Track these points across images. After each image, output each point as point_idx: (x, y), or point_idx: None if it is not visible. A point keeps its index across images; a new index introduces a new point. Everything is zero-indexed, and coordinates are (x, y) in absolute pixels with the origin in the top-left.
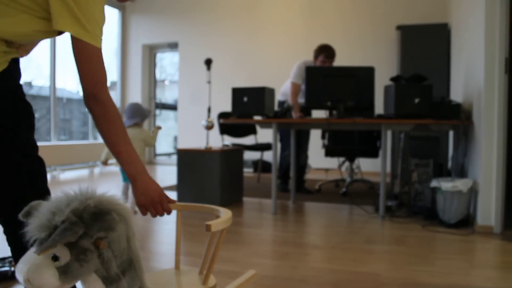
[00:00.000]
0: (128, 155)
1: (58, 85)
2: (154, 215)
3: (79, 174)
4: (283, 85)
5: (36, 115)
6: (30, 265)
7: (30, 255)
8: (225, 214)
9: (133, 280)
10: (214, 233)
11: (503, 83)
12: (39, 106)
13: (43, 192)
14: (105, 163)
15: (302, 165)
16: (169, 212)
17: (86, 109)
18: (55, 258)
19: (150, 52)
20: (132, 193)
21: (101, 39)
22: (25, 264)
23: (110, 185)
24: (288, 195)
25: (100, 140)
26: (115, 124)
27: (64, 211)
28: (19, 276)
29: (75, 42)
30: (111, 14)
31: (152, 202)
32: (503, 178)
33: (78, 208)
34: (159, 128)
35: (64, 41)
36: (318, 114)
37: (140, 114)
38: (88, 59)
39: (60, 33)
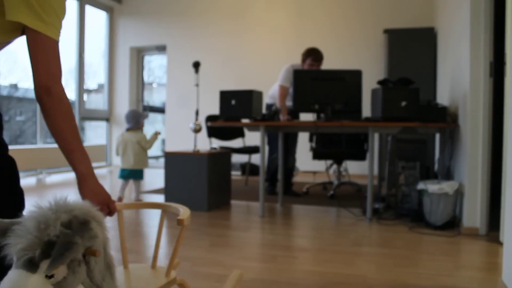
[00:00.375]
0: (81, 153)
1: None
2: (105, 215)
3: (66, 178)
4: (271, 88)
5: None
6: None
7: (21, 277)
8: (184, 209)
9: (110, 285)
10: (183, 227)
11: (488, 86)
12: (25, 109)
13: (16, 193)
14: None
15: (290, 167)
16: (115, 213)
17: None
18: (49, 276)
19: (138, 55)
20: (80, 192)
21: (59, 32)
22: None
23: None
24: (276, 197)
25: (88, 143)
26: (70, 120)
27: (55, 226)
28: None
29: (30, 33)
30: (99, 16)
31: (103, 202)
32: (488, 181)
33: (67, 220)
34: (158, 133)
35: None
36: (306, 117)
37: (134, 119)
38: (44, 51)
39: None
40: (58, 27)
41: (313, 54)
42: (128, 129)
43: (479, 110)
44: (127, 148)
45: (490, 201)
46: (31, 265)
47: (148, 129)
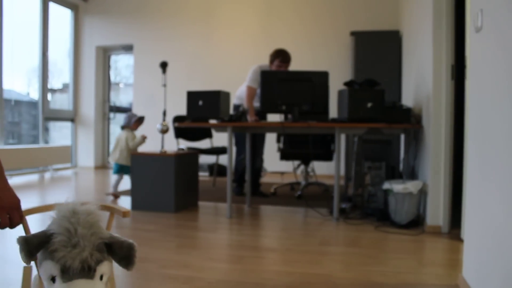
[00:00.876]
0: None
1: (6, 86)
2: (4, 223)
3: (29, 180)
4: (239, 89)
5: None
6: None
7: (89, 285)
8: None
9: None
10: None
11: (450, 89)
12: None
13: None
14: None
15: (257, 168)
16: (16, 223)
17: (36, 112)
18: (101, 277)
19: (104, 54)
20: None
21: None
22: None
23: (61, 191)
24: (244, 198)
25: (52, 144)
26: None
27: (101, 231)
28: None
29: None
30: (63, 14)
31: (10, 208)
32: (450, 180)
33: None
34: (144, 137)
35: (12, 40)
36: (274, 118)
37: (128, 119)
38: None
39: None
40: None
41: (281, 55)
42: (122, 127)
43: (441, 112)
44: (118, 143)
45: (452, 200)
46: (89, 272)
47: (115, 130)
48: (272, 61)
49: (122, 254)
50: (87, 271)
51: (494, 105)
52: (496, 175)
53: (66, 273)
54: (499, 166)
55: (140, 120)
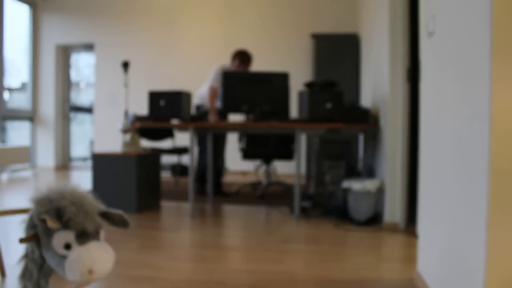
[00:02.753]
0: None
1: None
2: None
3: None
4: (200, 89)
5: None
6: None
7: (102, 245)
8: None
9: None
10: None
11: (406, 91)
12: None
13: None
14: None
15: (218, 168)
16: None
17: None
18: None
19: (64, 53)
20: None
21: None
22: (108, 251)
23: (20, 192)
24: (206, 198)
25: (9, 143)
26: None
27: (96, 204)
28: (107, 265)
29: None
30: (20, 11)
31: None
32: (406, 178)
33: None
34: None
35: None
36: (235, 118)
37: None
38: None
39: None
40: None
41: (241, 56)
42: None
43: (397, 113)
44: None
45: (409, 197)
46: (97, 235)
47: (75, 130)
48: (232, 61)
49: (117, 219)
50: (95, 234)
51: (444, 106)
52: (446, 173)
53: (81, 238)
54: (449, 164)
55: (139, 120)
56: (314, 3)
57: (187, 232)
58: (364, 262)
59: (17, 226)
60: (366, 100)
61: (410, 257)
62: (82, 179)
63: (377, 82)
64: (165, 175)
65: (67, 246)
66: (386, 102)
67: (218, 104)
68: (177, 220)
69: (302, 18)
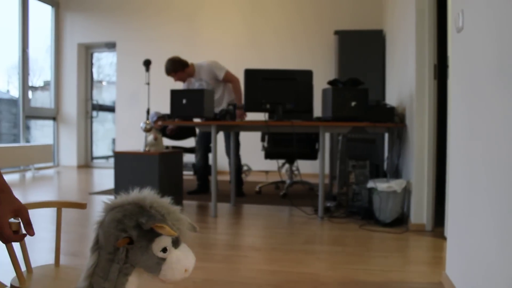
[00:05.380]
0: None
1: None
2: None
3: (9, 179)
4: None
5: None
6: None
7: (185, 246)
8: None
9: None
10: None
11: (432, 88)
12: None
13: None
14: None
15: (237, 167)
16: (12, 240)
17: (17, 110)
18: None
19: (86, 52)
20: None
21: None
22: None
23: (43, 190)
24: (229, 197)
25: (34, 143)
26: None
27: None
28: (194, 263)
29: None
30: (44, 11)
31: (21, 209)
32: (433, 178)
33: None
34: (155, 137)
35: None
36: (257, 116)
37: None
38: None
39: None
40: None
41: (165, 69)
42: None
43: (424, 111)
44: None
45: (436, 198)
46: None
47: (97, 128)
48: (170, 75)
49: (188, 224)
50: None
51: (476, 103)
52: (479, 173)
53: (176, 242)
54: (482, 164)
55: (161, 118)
56: (339, 0)
57: (209, 232)
58: (390, 264)
59: (42, 222)
60: (391, 98)
61: (438, 260)
62: (105, 178)
63: (403, 80)
64: (187, 174)
65: (164, 250)
66: (413, 100)
67: (230, 97)
68: (199, 220)
69: (325, 14)
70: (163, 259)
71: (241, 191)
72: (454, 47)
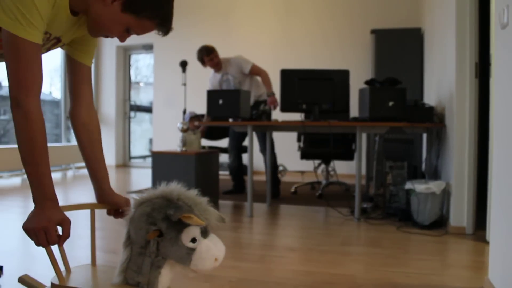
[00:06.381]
0: (35, 178)
1: None
2: (36, 243)
3: (52, 178)
4: None
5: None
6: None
7: (215, 237)
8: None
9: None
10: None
11: (474, 87)
12: (10, 108)
13: None
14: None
15: (270, 167)
16: (53, 243)
17: (59, 111)
18: None
19: (125, 54)
20: None
21: (39, 32)
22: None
23: (83, 188)
24: (264, 198)
25: (74, 143)
26: (32, 140)
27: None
28: (224, 252)
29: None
30: None
31: (34, 229)
32: (474, 180)
33: None
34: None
35: None
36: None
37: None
38: (15, 57)
39: None
40: (38, 26)
41: (204, 50)
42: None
43: (465, 111)
44: None
45: (477, 200)
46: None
47: (135, 128)
48: (202, 61)
49: (216, 215)
50: (210, 229)
51: None
52: None
53: (204, 232)
54: None
55: (196, 118)
56: None
57: (245, 232)
58: (428, 267)
59: (81, 220)
60: (430, 97)
61: (479, 264)
62: (142, 177)
63: (442, 78)
64: (223, 174)
65: (193, 240)
66: (453, 99)
67: (256, 92)
68: (235, 219)
69: (361, 13)
70: (193, 249)
71: (277, 190)
72: (497, 44)
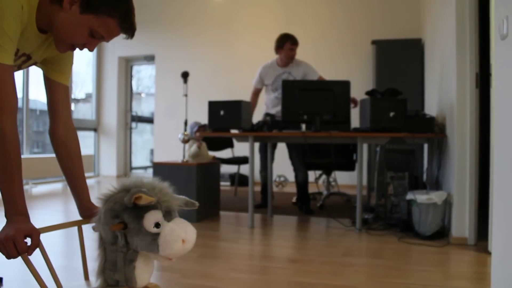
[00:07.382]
0: (9, 194)
1: (31, 96)
2: (6, 256)
3: (53, 188)
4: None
5: None
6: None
7: (181, 219)
8: None
9: None
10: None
11: (474, 97)
12: None
13: None
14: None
15: (300, 182)
16: (22, 251)
17: None
18: None
19: (127, 65)
20: None
21: (10, 55)
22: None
23: None
24: (265, 209)
25: None
26: (6, 158)
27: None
28: (194, 234)
29: None
30: None
31: (2, 240)
32: (476, 190)
33: None
34: (199, 146)
35: None
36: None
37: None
38: None
39: None
40: (8, 48)
41: (291, 38)
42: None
43: (466, 121)
44: None
45: (479, 210)
46: (174, 212)
47: (136, 139)
48: (282, 46)
49: (185, 202)
50: (174, 212)
51: None
52: None
53: (168, 216)
54: None
55: (202, 128)
56: (375, 10)
57: (246, 243)
58: (430, 279)
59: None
60: (431, 107)
61: (482, 275)
62: None
63: (443, 89)
64: (224, 185)
65: (157, 225)
66: (453, 110)
67: (273, 110)
68: (236, 230)
69: (362, 24)
70: (158, 234)
71: (307, 206)
72: (497, 54)
